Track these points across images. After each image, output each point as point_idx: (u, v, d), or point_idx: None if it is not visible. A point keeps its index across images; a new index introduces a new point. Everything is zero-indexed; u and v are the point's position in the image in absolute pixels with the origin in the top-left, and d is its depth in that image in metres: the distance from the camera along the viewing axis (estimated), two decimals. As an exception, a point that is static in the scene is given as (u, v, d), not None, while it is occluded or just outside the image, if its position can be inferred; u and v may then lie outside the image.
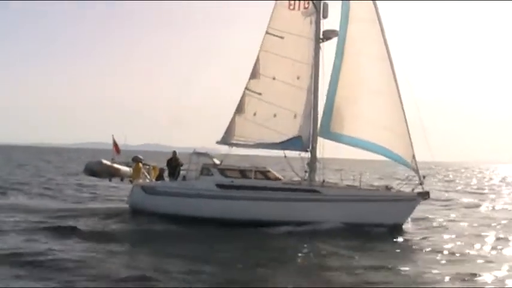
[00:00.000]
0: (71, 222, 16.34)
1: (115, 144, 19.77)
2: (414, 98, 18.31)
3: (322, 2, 18.75)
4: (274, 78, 18.94)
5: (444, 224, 19.72)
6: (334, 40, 18.61)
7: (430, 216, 20.98)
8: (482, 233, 17.40)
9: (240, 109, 19.11)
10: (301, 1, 18.91)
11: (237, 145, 19.11)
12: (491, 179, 66.44)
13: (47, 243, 13.18)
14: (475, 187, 45.63)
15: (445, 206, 26.54)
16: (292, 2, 18.95)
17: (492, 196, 34.34)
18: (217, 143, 19.12)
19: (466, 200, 30.46)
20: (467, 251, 14.28)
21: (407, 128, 17.93)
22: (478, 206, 27.08)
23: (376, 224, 17.25)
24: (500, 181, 59.79)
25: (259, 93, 18.97)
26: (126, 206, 19.31)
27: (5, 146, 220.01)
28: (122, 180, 19.94)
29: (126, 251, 13.19)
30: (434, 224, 19.67)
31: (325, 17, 18.87)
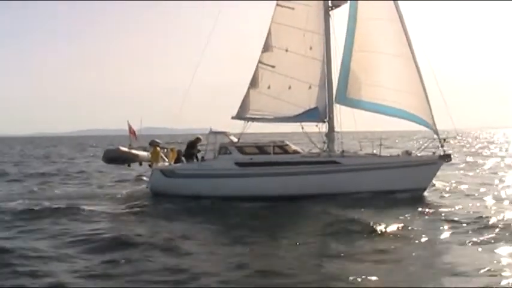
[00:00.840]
0: (95, 206, 17.05)
1: (131, 131, 20.35)
2: (431, 68, 18.80)
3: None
4: (287, 50, 19.41)
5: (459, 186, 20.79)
6: (344, 8, 19.14)
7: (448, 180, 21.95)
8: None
9: (254, 83, 19.55)
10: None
11: (253, 119, 19.51)
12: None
13: (79, 225, 14.20)
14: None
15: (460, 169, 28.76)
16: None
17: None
18: (233, 118, 19.49)
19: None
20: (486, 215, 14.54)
21: (426, 91, 18.30)
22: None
23: (399, 190, 17.77)
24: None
25: (273, 66, 19.44)
26: (147, 189, 20.03)
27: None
28: (140, 165, 20.72)
29: (152, 225, 14.45)
30: (452, 187, 20.64)
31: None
